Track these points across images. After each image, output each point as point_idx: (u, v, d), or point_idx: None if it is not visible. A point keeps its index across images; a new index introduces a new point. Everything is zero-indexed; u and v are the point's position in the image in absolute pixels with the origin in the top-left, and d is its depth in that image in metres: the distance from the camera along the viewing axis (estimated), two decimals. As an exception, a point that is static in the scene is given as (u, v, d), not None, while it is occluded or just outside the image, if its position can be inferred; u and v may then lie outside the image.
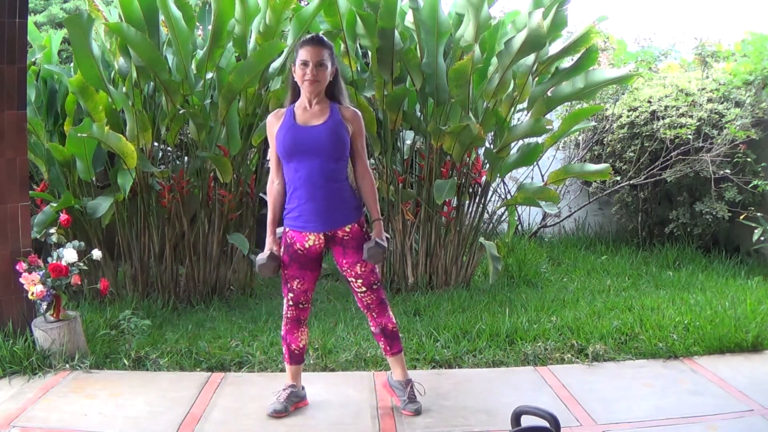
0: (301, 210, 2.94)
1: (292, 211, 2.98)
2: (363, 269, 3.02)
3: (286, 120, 2.96)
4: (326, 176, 2.90)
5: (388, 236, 3.07)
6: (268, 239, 3.05)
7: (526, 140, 5.18)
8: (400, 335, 3.26)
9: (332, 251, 3.07)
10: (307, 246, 2.99)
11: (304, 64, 2.86)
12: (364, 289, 3.05)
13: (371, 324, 3.16)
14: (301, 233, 2.97)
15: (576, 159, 6.84)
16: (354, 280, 3.04)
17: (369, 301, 3.08)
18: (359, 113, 3.02)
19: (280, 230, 3.07)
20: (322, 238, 2.98)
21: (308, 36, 2.99)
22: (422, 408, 3.14)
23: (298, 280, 3.03)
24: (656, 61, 7.26)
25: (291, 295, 3.05)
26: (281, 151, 2.94)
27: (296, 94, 2.98)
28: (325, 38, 3.01)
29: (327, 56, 2.88)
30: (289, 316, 3.09)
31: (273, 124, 2.99)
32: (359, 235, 3.00)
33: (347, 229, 2.98)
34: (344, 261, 3.03)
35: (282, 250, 3.03)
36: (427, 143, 5.00)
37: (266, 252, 3.03)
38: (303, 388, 3.23)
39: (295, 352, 3.14)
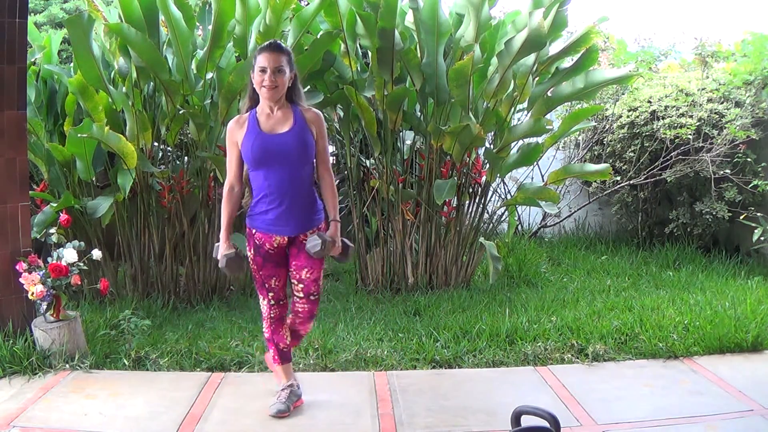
0: (269, 215, 2.98)
1: (259, 215, 3.01)
2: (308, 275, 3.06)
3: (250, 128, 2.95)
4: (295, 184, 2.95)
5: (347, 242, 3.10)
6: (225, 244, 3.05)
7: (526, 140, 5.18)
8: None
9: (288, 250, 3.08)
10: (275, 245, 3.04)
11: (263, 70, 2.87)
12: (301, 295, 3.10)
13: (290, 320, 3.19)
14: (268, 235, 3.01)
15: (576, 159, 6.84)
16: (296, 283, 3.09)
17: (300, 310, 3.13)
18: (320, 114, 3.05)
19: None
20: (286, 238, 3.03)
21: (266, 42, 3.01)
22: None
23: (274, 278, 3.08)
24: (656, 61, 7.25)
25: (271, 294, 3.08)
26: (250, 160, 2.96)
27: (255, 101, 3.00)
28: (283, 44, 3.02)
29: (285, 62, 2.89)
30: (272, 315, 3.11)
31: (235, 130, 2.99)
32: None
33: (308, 233, 3.03)
34: (294, 262, 3.07)
35: (252, 252, 3.06)
36: (427, 143, 5.00)
37: (230, 250, 3.04)
38: (298, 386, 3.24)
39: (284, 350, 3.17)
